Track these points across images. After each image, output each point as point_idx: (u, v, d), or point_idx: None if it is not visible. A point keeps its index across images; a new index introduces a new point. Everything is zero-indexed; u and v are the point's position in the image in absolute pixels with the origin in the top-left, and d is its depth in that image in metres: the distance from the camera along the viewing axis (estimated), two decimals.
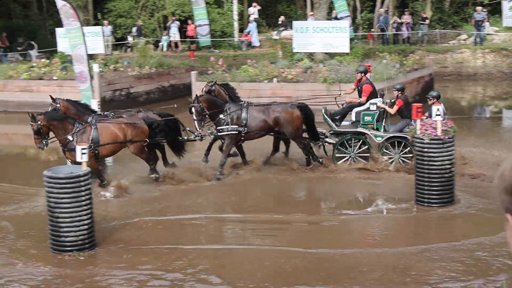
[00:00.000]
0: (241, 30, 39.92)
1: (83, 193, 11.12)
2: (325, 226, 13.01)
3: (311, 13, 33.22)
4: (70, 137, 14.17)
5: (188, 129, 16.34)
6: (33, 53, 36.96)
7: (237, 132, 15.78)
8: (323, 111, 16.55)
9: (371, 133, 16.18)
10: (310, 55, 27.30)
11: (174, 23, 39.00)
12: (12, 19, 44.33)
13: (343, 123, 16.74)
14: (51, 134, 14.47)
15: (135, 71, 29.40)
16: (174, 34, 38.85)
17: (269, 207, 14.12)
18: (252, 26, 38.13)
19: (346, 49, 26.53)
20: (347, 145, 16.18)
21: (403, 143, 15.98)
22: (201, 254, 11.41)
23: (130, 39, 39.62)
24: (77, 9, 23.81)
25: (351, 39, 29.19)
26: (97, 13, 42.00)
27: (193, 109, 15.55)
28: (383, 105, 16.27)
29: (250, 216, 13.54)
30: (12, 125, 26.55)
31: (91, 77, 22.49)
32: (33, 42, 38.29)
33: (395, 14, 38.20)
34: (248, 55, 34.02)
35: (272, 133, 16.25)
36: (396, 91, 16.28)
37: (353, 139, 16.11)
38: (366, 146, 16.16)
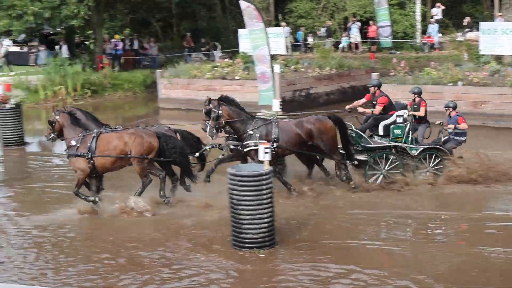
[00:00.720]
0: (423, 32, 39.00)
1: (264, 191, 11.17)
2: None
3: (499, 13, 31.82)
4: (73, 142, 13.83)
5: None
6: (217, 53, 38.21)
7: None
8: (353, 127, 15.62)
9: (406, 147, 15.35)
10: (498, 58, 26.15)
11: (355, 24, 38.77)
12: (197, 21, 46.06)
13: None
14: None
15: (315, 72, 29.52)
16: (354, 35, 38.58)
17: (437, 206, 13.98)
18: (433, 28, 37.12)
19: None
20: (378, 162, 15.28)
21: (434, 154, 15.38)
22: (386, 251, 11.26)
23: (310, 39, 39.85)
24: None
25: None
26: (278, 14, 42.66)
27: (211, 113, 14.12)
28: (411, 112, 15.73)
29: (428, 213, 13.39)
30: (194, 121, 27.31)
31: (273, 78, 22.84)
32: (217, 43, 39.60)
33: None
34: (430, 57, 33.10)
35: (305, 150, 14.88)
36: (414, 95, 16.01)
37: (384, 155, 15.26)
38: (394, 158, 15.26)
